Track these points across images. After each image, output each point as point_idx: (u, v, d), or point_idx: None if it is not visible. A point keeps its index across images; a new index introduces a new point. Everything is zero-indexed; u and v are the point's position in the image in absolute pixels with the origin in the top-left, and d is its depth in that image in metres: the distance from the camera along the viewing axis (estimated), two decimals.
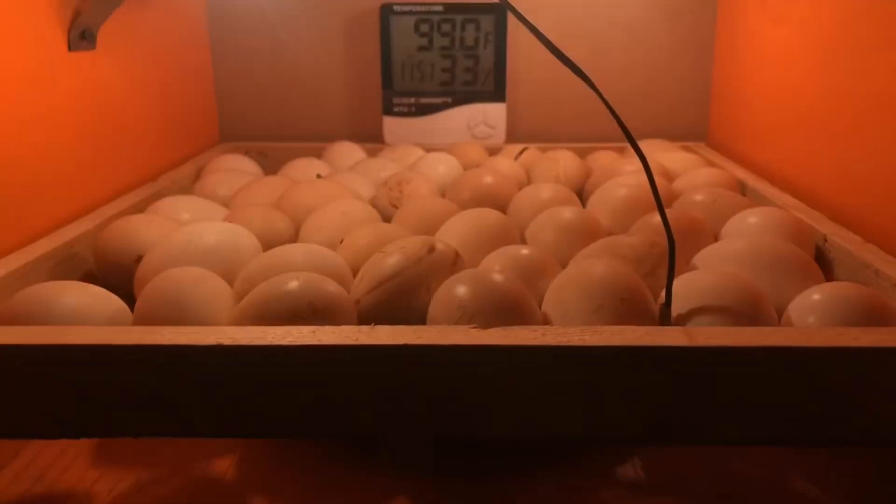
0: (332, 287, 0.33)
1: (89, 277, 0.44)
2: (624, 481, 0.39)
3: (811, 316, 0.32)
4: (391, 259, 0.36)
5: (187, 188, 0.60)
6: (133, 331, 0.30)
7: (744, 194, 0.54)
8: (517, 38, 0.71)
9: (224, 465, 0.40)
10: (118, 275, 0.42)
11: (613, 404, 0.29)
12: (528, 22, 0.33)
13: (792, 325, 0.32)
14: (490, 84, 0.70)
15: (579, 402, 0.29)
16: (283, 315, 0.31)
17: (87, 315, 0.34)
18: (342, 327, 0.30)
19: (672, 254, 0.32)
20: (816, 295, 0.33)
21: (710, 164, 0.61)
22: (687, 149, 0.68)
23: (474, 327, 0.30)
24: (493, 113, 0.71)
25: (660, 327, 0.29)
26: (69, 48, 0.48)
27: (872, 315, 0.31)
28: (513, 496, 0.37)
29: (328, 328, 0.30)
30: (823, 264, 0.41)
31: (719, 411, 0.29)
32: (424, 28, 0.69)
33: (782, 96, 0.56)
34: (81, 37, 0.48)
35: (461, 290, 0.32)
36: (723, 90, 0.70)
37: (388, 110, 0.71)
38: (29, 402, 0.30)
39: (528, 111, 0.74)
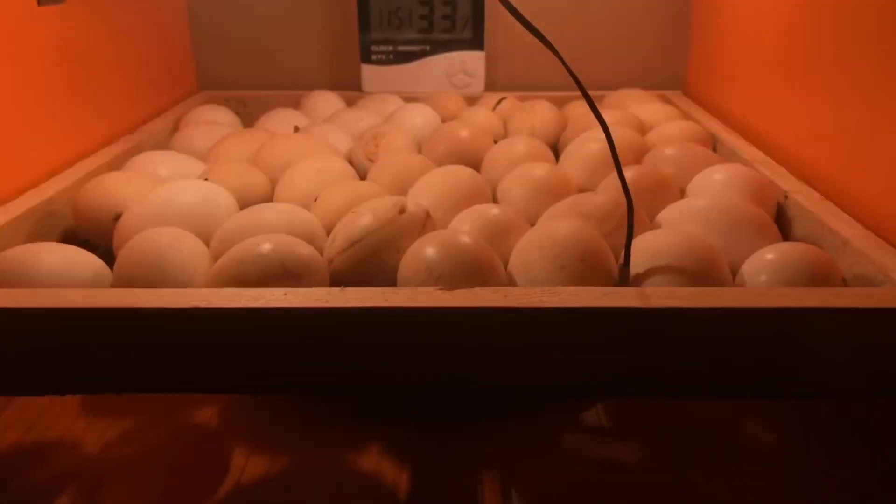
0: (304, 249, 0.34)
1: (69, 235, 0.45)
2: (589, 427, 0.41)
3: (763, 275, 0.33)
4: (363, 220, 0.37)
5: (165, 141, 0.60)
6: (110, 293, 0.31)
7: (714, 148, 0.55)
8: None
9: (207, 414, 0.42)
10: (98, 233, 0.43)
11: (570, 364, 0.30)
12: None
13: (744, 285, 0.34)
14: (468, 32, 0.70)
15: (538, 360, 0.30)
16: (256, 277, 0.32)
17: (67, 276, 0.35)
18: (312, 290, 0.31)
19: (630, 214, 0.33)
20: (769, 255, 0.34)
21: (686, 115, 0.62)
22: (664, 98, 0.68)
23: (440, 289, 0.31)
24: (471, 61, 0.70)
25: (616, 289, 0.31)
26: (39, 2, 0.47)
27: (819, 275, 0.32)
28: (481, 443, 0.39)
29: (299, 290, 0.31)
30: (784, 221, 0.43)
31: (672, 370, 0.30)
32: None
33: (757, 45, 0.57)
34: None
35: (429, 251, 0.33)
36: (701, 37, 0.70)
37: (367, 58, 0.71)
38: (13, 361, 0.31)
39: (507, 59, 0.73)
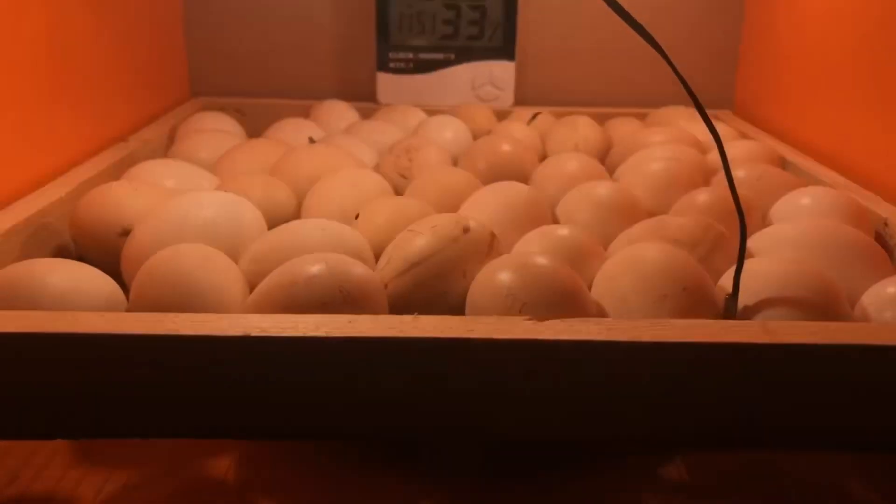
0: (361, 270, 0.32)
1: (62, 251, 0.43)
2: (668, 483, 0.39)
3: (888, 312, 0.32)
4: (421, 239, 0.35)
5: (161, 150, 0.58)
6: (143, 318, 0.29)
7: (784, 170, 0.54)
8: None
9: (224, 465, 0.39)
10: (99, 250, 0.41)
11: (684, 404, 0.29)
12: None
13: (870, 321, 0.33)
14: (498, 39, 0.69)
15: (647, 401, 0.29)
16: (310, 303, 0.30)
17: (76, 298, 0.33)
18: (381, 317, 0.29)
19: (743, 239, 0.32)
20: (891, 288, 0.33)
21: (744, 135, 0.62)
22: (714, 117, 0.68)
23: (529, 319, 0.29)
24: (500, 72, 0.70)
25: (736, 322, 0.29)
26: None
27: None
28: (549, 498, 0.37)
29: (365, 317, 0.29)
30: (885, 251, 0.42)
31: (798, 415, 0.29)
32: None
33: (825, 61, 0.57)
34: None
35: (508, 276, 0.32)
36: (753, 54, 0.70)
37: (384, 66, 0.70)
38: (14, 399, 0.29)
39: (538, 71, 0.73)
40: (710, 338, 0.28)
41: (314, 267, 0.31)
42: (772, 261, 0.34)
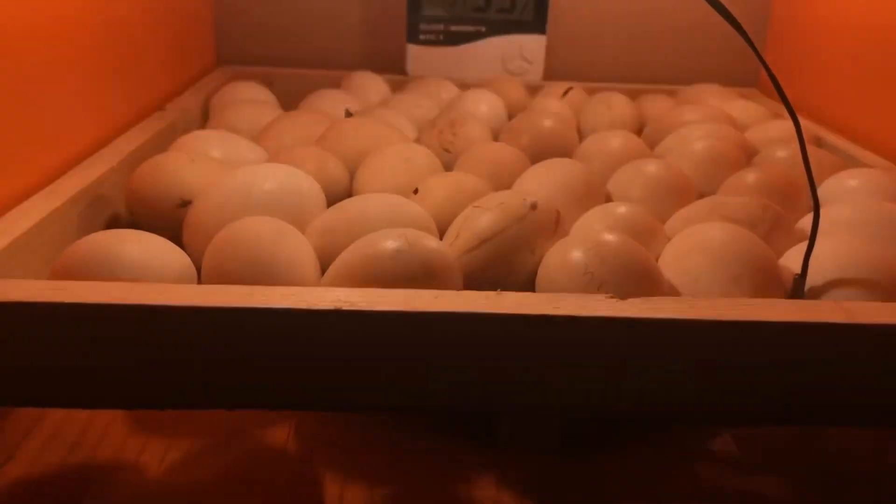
0: (437, 245, 0.33)
1: (116, 221, 0.43)
2: (718, 456, 0.40)
3: None
4: (488, 216, 0.35)
5: (197, 119, 0.58)
6: (232, 290, 0.29)
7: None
8: None
9: (282, 434, 0.40)
10: (156, 220, 0.41)
11: (761, 384, 0.29)
12: None
13: None
14: (530, 13, 0.69)
15: (730, 380, 0.29)
16: (393, 277, 0.31)
17: (152, 270, 0.33)
18: (466, 293, 0.30)
19: (816, 221, 0.32)
20: None
21: (776, 114, 0.62)
22: (741, 96, 0.68)
23: (611, 296, 0.30)
24: (531, 46, 0.70)
25: (813, 302, 0.30)
26: None
27: None
28: (603, 471, 0.38)
29: (451, 293, 0.30)
30: None
31: (870, 393, 0.30)
32: None
33: (857, 41, 0.57)
34: None
35: (583, 254, 0.32)
36: (781, 32, 0.71)
37: (414, 38, 0.69)
38: (94, 367, 0.29)
39: (567, 46, 0.73)
40: (792, 317, 0.29)
41: (395, 242, 0.32)
42: (833, 241, 0.35)
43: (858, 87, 0.58)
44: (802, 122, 0.60)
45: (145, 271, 0.32)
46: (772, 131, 0.55)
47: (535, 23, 0.69)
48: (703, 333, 0.29)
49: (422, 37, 0.69)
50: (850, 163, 0.50)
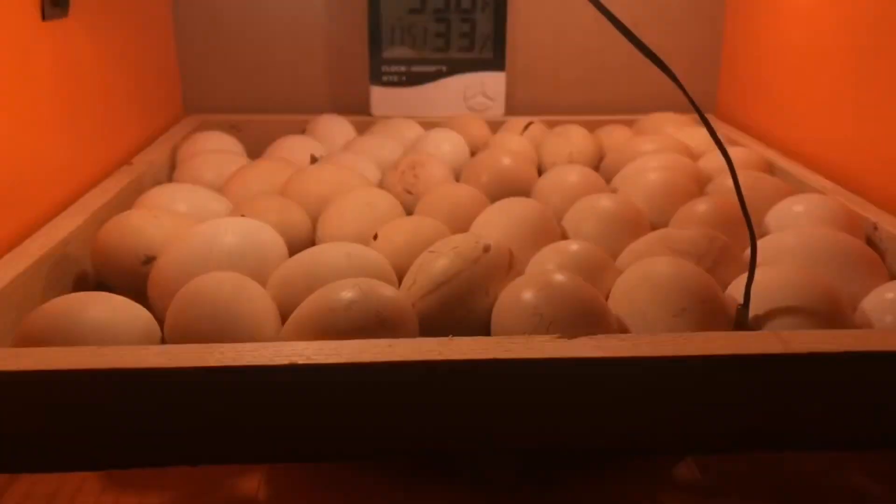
0: (393, 293, 0.34)
1: (82, 279, 0.44)
2: (681, 483, 0.41)
3: (889, 315, 0.34)
4: (443, 260, 0.37)
5: (165, 171, 0.59)
6: (189, 350, 0.30)
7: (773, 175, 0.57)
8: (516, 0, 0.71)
9: (253, 483, 0.40)
10: (121, 277, 0.41)
11: (706, 414, 0.31)
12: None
13: (871, 326, 0.35)
14: (489, 51, 0.70)
15: (673, 413, 0.30)
16: (348, 328, 0.32)
17: (114, 330, 0.33)
18: (419, 340, 0.31)
19: (754, 252, 0.33)
20: (889, 293, 0.35)
21: (731, 141, 0.64)
22: (699, 122, 0.70)
23: (559, 337, 0.31)
24: (491, 83, 0.71)
25: (753, 333, 0.31)
26: (43, 17, 0.46)
27: None
28: (568, 502, 0.39)
29: (404, 341, 0.30)
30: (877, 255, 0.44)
31: (811, 417, 0.31)
32: None
33: (809, 65, 0.59)
34: (54, 3, 0.47)
35: (533, 294, 0.33)
36: (734, 58, 0.73)
37: (377, 79, 0.71)
38: (61, 432, 0.30)
39: (526, 81, 0.75)
40: (729, 350, 0.30)
41: (349, 293, 0.33)
42: (777, 270, 0.36)
43: (807, 110, 0.59)
44: (757, 147, 0.62)
45: (109, 333, 0.33)
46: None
47: (495, 60, 0.71)
48: (647, 370, 0.30)
49: (384, 78, 0.71)
50: (799, 187, 0.52)
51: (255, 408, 0.30)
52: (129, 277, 0.41)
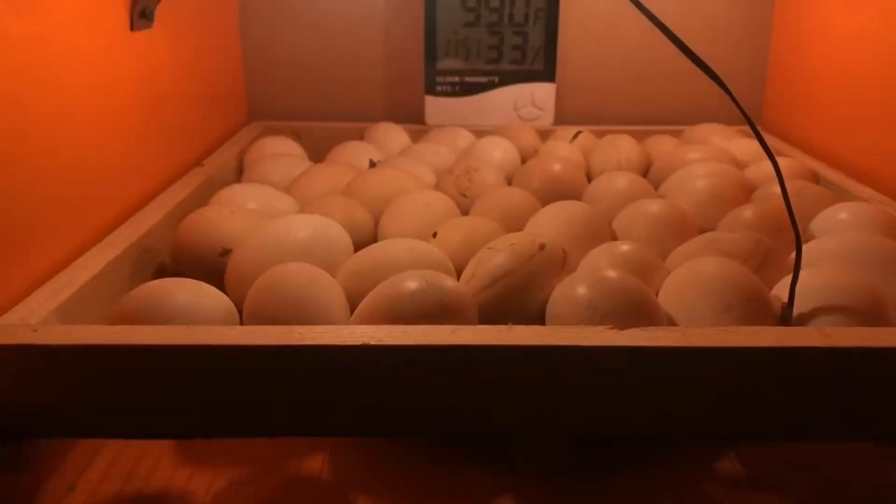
0: (454, 284, 0.36)
1: (162, 270, 0.47)
2: (723, 476, 0.42)
3: None
4: (501, 256, 0.39)
5: (233, 173, 0.62)
6: (271, 331, 0.32)
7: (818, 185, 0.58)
8: (568, 13, 0.73)
9: (317, 463, 0.43)
10: (200, 269, 0.44)
11: (749, 404, 0.32)
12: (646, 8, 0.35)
13: None
14: (539, 63, 0.73)
15: (718, 402, 0.32)
16: (413, 315, 0.34)
17: (198, 314, 0.36)
18: (480, 327, 0.33)
19: (799, 252, 0.35)
20: None
21: (778, 152, 0.65)
22: (745, 134, 0.71)
23: (611, 328, 0.33)
24: (541, 93, 0.73)
25: (795, 328, 0.33)
26: (131, 27, 0.49)
27: None
28: (610, 491, 0.41)
29: (467, 328, 0.33)
30: None
31: (851, 411, 0.32)
32: (471, 3, 0.71)
33: (854, 80, 0.60)
34: (142, 14, 0.50)
35: (587, 289, 0.35)
36: (781, 73, 0.74)
37: (431, 89, 0.73)
38: (153, 402, 0.33)
39: (575, 92, 0.77)
40: (773, 342, 0.31)
41: (414, 283, 0.35)
42: (820, 272, 0.38)
43: (854, 122, 0.61)
44: (803, 158, 0.63)
45: (194, 315, 0.36)
46: (770, 168, 0.58)
47: (546, 72, 0.73)
48: (695, 359, 0.31)
49: (438, 88, 0.73)
50: (844, 197, 0.53)
51: (329, 385, 0.32)
52: (206, 268, 0.44)
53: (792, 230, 0.46)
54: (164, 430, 0.33)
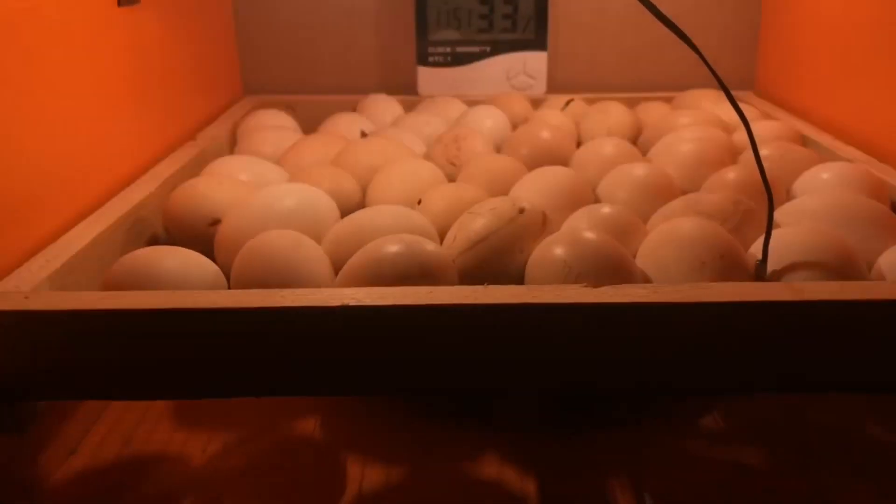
0: (433, 247, 0.37)
1: (155, 240, 0.48)
2: (709, 431, 0.43)
3: None
4: (482, 220, 0.39)
5: (226, 146, 0.63)
6: (255, 294, 0.33)
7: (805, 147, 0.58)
8: None
9: (310, 425, 0.44)
10: (190, 238, 0.45)
11: (720, 357, 0.33)
12: None
13: (885, 280, 0.36)
14: (531, 32, 0.73)
15: (689, 356, 0.33)
16: (393, 277, 0.35)
17: (187, 280, 0.37)
18: (457, 287, 0.34)
19: (771, 210, 0.36)
20: None
21: (767, 115, 0.65)
22: (738, 99, 0.71)
23: (586, 286, 0.33)
24: (533, 62, 0.74)
25: (766, 283, 0.33)
26: (119, 3, 0.50)
27: None
28: (597, 449, 0.42)
29: (443, 288, 0.33)
30: None
31: (823, 363, 0.33)
32: None
33: (844, 42, 0.60)
34: None
35: (563, 249, 0.36)
36: (771, 36, 0.74)
37: (423, 60, 0.74)
38: (140, 365, 0.34)
39: (568, 60, 0.77)
40: (743, 297, 0.32)
41: (395, 246, 0.36)
42: (796, 230, 0.38)
43: (843, 85, 0.60)
44: (792, 121, 0.63)
45: (182, 281, 0.37)
46: (759, 130, 0.58)
47: (537, 40, 0.73)
48: (666, 315, 0.32)
49: (430, 59, 0.74)
50: (830, 158, 0.53)
51: (311, 345, 0.33)
52: (197, 237, 0.45)
53: (776, 190, 0.47)
54: (152, 391, 0.35)
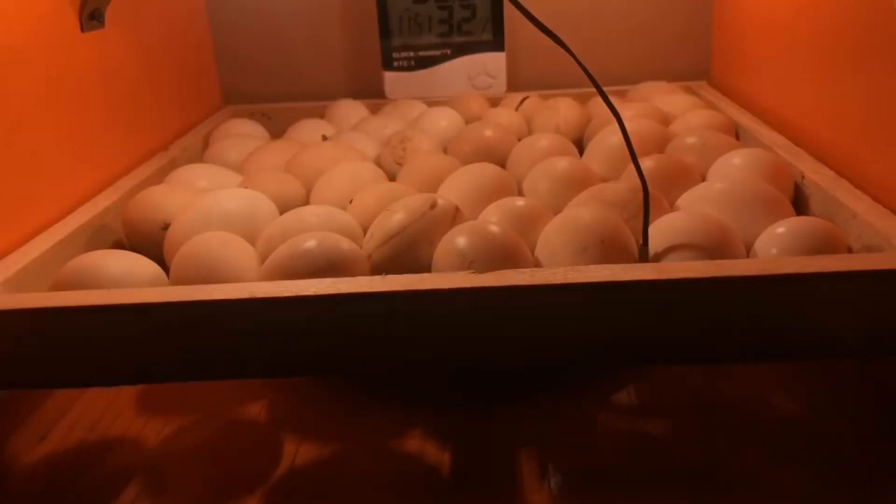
0: (346, 244, 0.40)
1: (118, 245, 0.52)
2: (619, 405, 0.46)
3: (773, 248, 0.39)
4: (396, 216, 0.43)
5: (198, 155, 0.67)
6: (173, 290, 0.37)
7: (737, 135, 0.60)
8: None
9: (257, 408, 0.48)
10: (147, 242, 0.50)
11: (592, 333, 0.36)
12: None
13: (756, 258, 0.39)
14: (489, 34, 0.76)
15: (565, 333, 0.36)
16: (305, 271, 0.39)
17: (129, 280, 0.41)
18: (357, 278, 0.37)
19: (646, 197, 0.39)
20: (780, 229, 0.40)
21: (710, 105, 0.67)
22: (688, 90, 0.74)
23: (472, 272, 0.37)
24: (492, 63, 0.77)
25: (633, 264, 0.37)
26: (81, 29, 0.54)
27: (825, 245, 0.38)
28: (513, 422, 0.45)
29: (345, 279, 0.37)
30: (801, 200, 0.48)
31: (685, 338, 0.36)
32: None
33: (776, 30, 0.62)
34: (91, 17, 0.55)
35: (461, 240, 0.39)
36: (724, 26, 0.76)
37: (388, 65, 0.77)
38: (86, 356, 0.38)
39: (528, 59, 0.80)
40: (608, 278, 0.35)
41: (308, 244, 0.40)
42: (681, 214, 0.41)
43: (784, 75, 0.63)
44: (731, 111, 0.65)
45: (125, 281, 0.41)
46: (695, 120, 0.61)
47: (495, 42, 0.76)
48: (543, 296, 0.35)
49: (395, 64, 0.77)
50: (753, 145, 0.55)
51: (229, 334, 0.37)
52: (152, 242, 0.49)
53: (689, 176, 0.50)
54: (97, 379, 0.39)
